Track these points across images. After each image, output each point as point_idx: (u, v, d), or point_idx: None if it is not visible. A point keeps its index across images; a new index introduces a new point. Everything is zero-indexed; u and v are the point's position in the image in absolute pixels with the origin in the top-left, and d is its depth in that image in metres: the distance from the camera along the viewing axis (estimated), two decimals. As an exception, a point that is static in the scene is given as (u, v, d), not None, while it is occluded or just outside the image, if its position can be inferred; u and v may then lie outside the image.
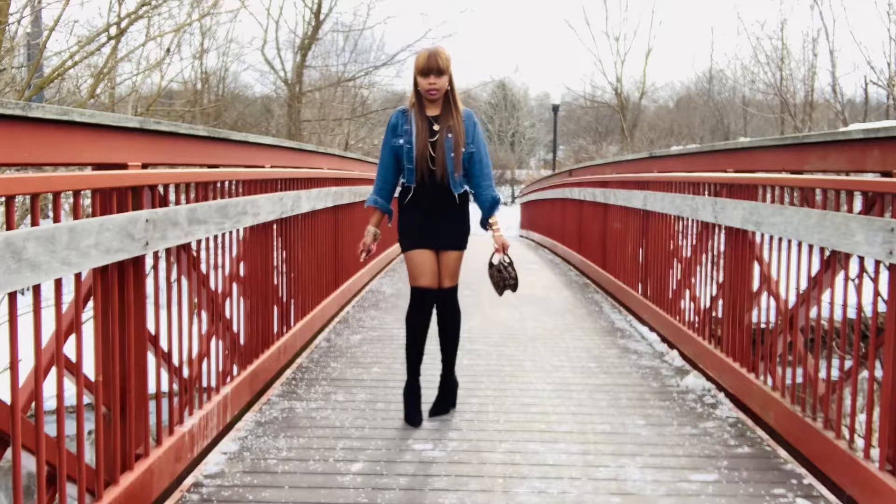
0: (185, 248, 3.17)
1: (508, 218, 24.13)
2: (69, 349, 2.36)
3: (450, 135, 3.62)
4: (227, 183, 3.67)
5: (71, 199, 2.38)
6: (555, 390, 4.35)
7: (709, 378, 4.53)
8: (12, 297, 1.98)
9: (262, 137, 4.60)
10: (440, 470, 3.17)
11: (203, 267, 3.42)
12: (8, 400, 2.01)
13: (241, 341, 4.00)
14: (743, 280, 4.17)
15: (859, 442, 2.93)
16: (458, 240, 3.77)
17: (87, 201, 2.66)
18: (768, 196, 3.82)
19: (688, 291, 5.23)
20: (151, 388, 2.85)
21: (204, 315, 3.46)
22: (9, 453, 2.01)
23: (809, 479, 3.10)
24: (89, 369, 2.49)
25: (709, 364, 4.57)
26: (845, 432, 3.12)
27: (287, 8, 45.47)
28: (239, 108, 19.00)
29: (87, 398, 2.54)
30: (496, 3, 66.01)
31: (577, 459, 3.29)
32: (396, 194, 3.85)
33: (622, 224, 7.35)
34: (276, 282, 4.65)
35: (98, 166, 2.52)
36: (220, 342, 3.68)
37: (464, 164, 3.66)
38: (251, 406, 3.96)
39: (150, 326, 2.86)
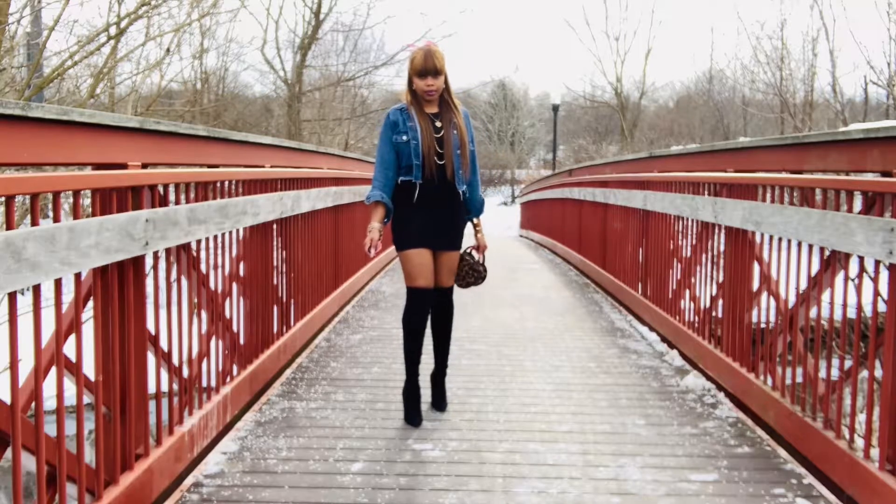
0: (185, 248, 3.18)
1: (508, 218, 24.15)
2: (69, 349, 2.36)
3: (454, 132, 3.63)
4: (226, 183, 3.67)
5: (71, 199, 2.38)
6: (555, 390, 4.35)
7: (709, 378, 4.53)
8: (12, 297, 1.98)
9: (261, 137, 4.60)
10: (440, 470, 3.17)
11: (203, 267, 3.42)
12: (8, 400, 2.01)
13: (241, 341, 4.00)
14: (743, 280, 4.17)
15: (859, 442, 2.93)
16: (457, 240, 3.80)
17: (87, 201, 2.66)
18: (768, 196, 3.82)
19: (688, 291, 5.23)
20: (151, 388, 2.85)
21: (204, 315, 3.47)
22: (9, 453, 2.01)
23: (809, 478, 3.10)
24: (89, 369, 2.49)
25: (709, 364, 4.57)
26: (845, 432, 3.12)
27: (287, 8, 45.60)
28: (239, 107, 19.00)
29: (87, 398, 2.54)
30: (496, 3, 66.03)
31: (577, 459, 3.29)
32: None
33: (622, 224, 7.35)
34: (275, 282, 4.65)
35: (98, 166, 2.52)
36: (220, 342, 3.68)
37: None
38: (251, 406, 3.96)
39: (150, 326, 2.86)
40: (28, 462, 2.08)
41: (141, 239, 2.58)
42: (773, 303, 3.86)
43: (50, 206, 7.18)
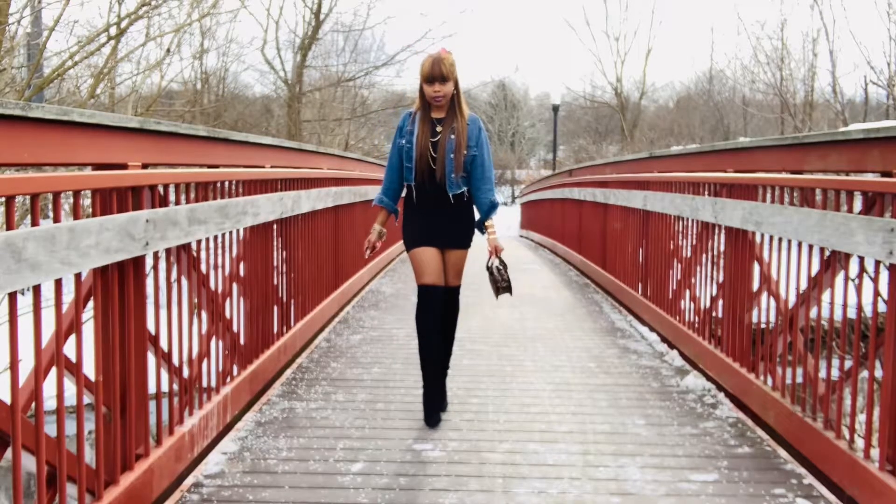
0: (185, 248, 3.18)
1: (508, 218, 24.14)
2: (69, 349, 2.36)
3: (452, 136, 3.67)
4: (227, 183, 3.67)
5: (71, 199, 2.38)
6: (555, 390, 4.35)
7: (709, 378, 4.53)
8: (12, 297, 1.98)
9: (262, 137, 4.60)
10: (440, 470, 3.17)
11: (203, 267, 3.42)
12: (8, 400, 2.01)
13: (241, 341, 4.00)
14: (743, 280, 4.17)
15: (859, 442, 2.93)
16: (461, 238, 3.80)
17: (87, 201, 2.66)
18: (768, 196, 3.82)
19: (688, 291, 5.23)
20: (151, 388, 2.85)
21: (204, 315, 3.47)
22: (9, 453, 2.01)
23: (809, 479, 3.10)
24: (89, 369, 2.49)
25: (709, 364, 4.57)
26: (845, 432, 3.12)
27: (287, 8, 45.58)
28: (239, 108, 19.01)
29: (87, 398, 2.54)
30: (496, 3, 66.01)
31: (577, 459, 3.29)
32: (403, 194, 3.88)
33: (622, 224, 7.35)
34: (276, 282, 4.65)
35: (98, 166, 2.51)
36: (220, 342, 3.68)
37: (465, 166, 3.69)
38: (251, 406, 3.96)
39: (150, 326, 2.86)
40: (28, 462, 2.08)
41: (141, 239, 2.58)
42: (773, 303, 3.86)
43: (50, 206, 7.18)
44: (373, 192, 8.41)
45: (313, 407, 3.99)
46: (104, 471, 2.48)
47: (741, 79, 22.26)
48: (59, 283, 2.21)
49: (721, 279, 4.58)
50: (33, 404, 2.14)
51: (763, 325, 3.98)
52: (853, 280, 3.21)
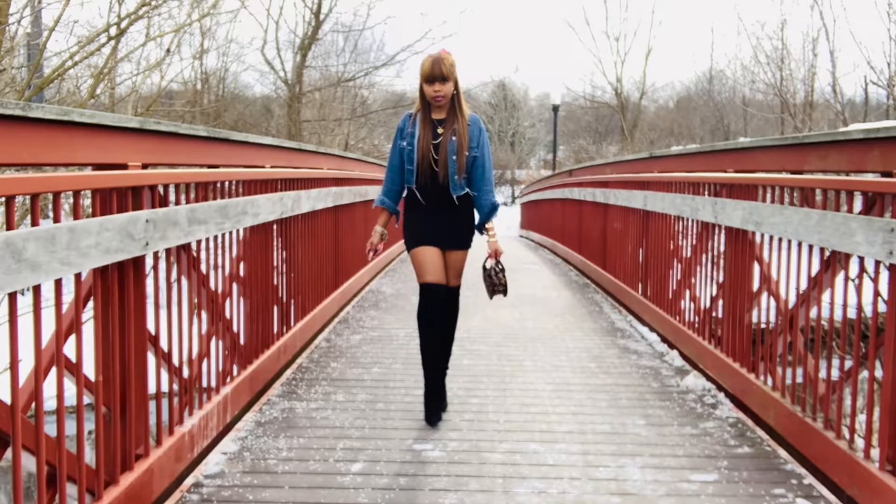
0: (185, 248, 3.17)
1: (508, 218, 24.14)
2: (69, 349, 2.36)
3: (454, 137, 3.66)
4: (227, 183, 3.67)
5: (71, 200, 2.38)
6: (555, 390, 4.35)
7: (709, 378, 4.53)
8: (12, 297, 1.98)
9: (262, 138, 4.60)
10: (440, 470, 3.17)
11: (203, 267, 3.42)
12: (8, 400, 2.01)
13: (241, 341, 4.00)
14: (743, 280, 4.17)
15: (859, 442, 2.93)
16: (462, 239, 3.81)
17: (87, 201, 2.66)
18: (768, 196, 3.82)
19: (688, 291, 5.23)
20: (151, 389, 2.85)
21: (204, 315, 3.46)
22: (9, 453, 2.01)
23: (809, 479, 3.10)
24: (89, 369, 2.49)
25: (709, 364, 4.57)
26: (845, 432, 3.12)
27: (287, 8, 45.49)
28: (239, 108, 19.01)
29: (87, 398, 2.54)
30: (496, 3, 66.04)
31: (577, 459, 3.29)
32: (404, 194, 3.87)
33: (622, 224, 7.35)
34: (276, 282, 4.65)
35: (98, 166, 2.51)
36: (220, 342, 3.68)
37: (466, 167, 3.70)
38: (251, 406, 3.96)
39: (150, 326, 2.86)
40: (28, 462, 2.08)
41: (141, 239, 2.58)
42: (773, 303, 3.86)
43: (50, 206, 7.18)
44: (373, 192, 8.41)
45: (313, 407, 3.99)
46: (104, 471, 2.48)
47: (741, 79, 22.27)
48: (59, 283, 2.21)
49: (721, 279, 4.58)
50: (33, 404, 2.14)
51: (763, 325, 3.98)
52: (853, 280, 3.21)
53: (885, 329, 2.72)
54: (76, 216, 2.31)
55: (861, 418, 3.19)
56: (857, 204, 3.10)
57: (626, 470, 3.18)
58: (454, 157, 3.66)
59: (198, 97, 16.26)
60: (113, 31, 7.98)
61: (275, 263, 4.61)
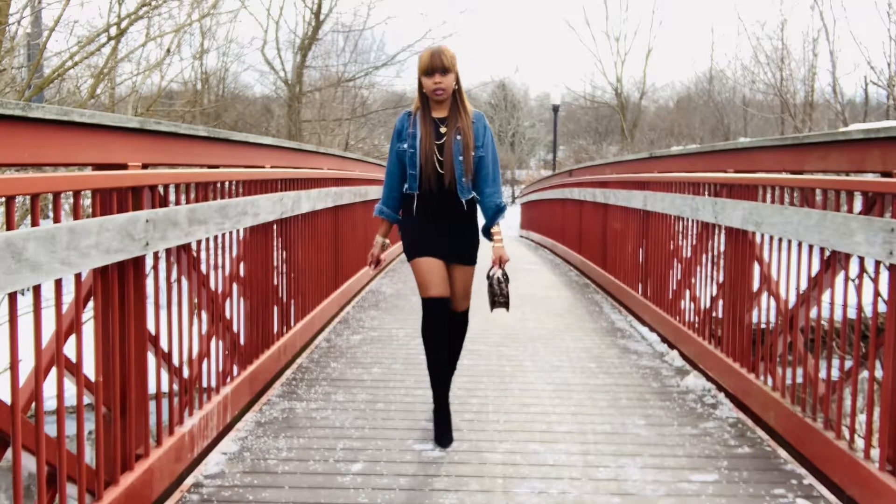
0: (185, 248, 3.17)
1: (509, 218, 24.10)
2: (69, 349, 2.36)
3: (458, 137, 3.39)
4: (227, 183, 3.67)
5: (71, 200, 2.38)
6: (555, 390, 4.35)
7: (709, 378, 4.53)
8: (12, 297, 1.98)
9: (262, 138, 4.60)
10: (440, 470, 3.17)
11: (203, 267, 3.42)
12: (8, 400, 2.01)
13: (241, 341, 4.00)
14: (743, 280, 4.17)
15: (859, 442, 2.93)
16: (468, 253, 3.55)
17: (87, 201, 2.66)
18: (768, 196, 3.82)
19: (688, 291, 5.23)
20: (151, 389, 2.85)
21: (204, 315, 3.46)
22: (9, 453, 2.01)
23: (810, 479, 3.10)
24: (89, 369, 2.49)
25: (709, 364, 4.57)
26: (845, 432, 3.12)
27: (287, 8, 45.60)
28: (239, 108, 19.01)
29: (87, 398, 2.54)
30: (496, 3, 66.05)
31: (577, 459, 3.29)
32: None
33: (622, 224, 7.35)
34: (276, 282, 4.65)
35: (98, 166, 2.51)
36: (220, 342, 3.67)
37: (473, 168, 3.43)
38: (251, 406, 3.96)
39: (150, 326, 2.86)
40: (28, 462, 2.08)
41: (141, 239, 2.58)
42: (773, 303, 3.86)
43: (50, 206, 7.18)
44: (373, 193, 8.42)
45: (313, 407, 3.99)
46: (104, 471, 2.48)
47: (741, 79, 22.27)
48: (59, 283, 2.21)
49: (721, 279, 4.58)
50: (33, 404, 2.14)
51: (763, 326, 3.98)
52: (853, 280, 3.21)
53: (885, 329, 2.72)
54: (76, 216, 2.31)
55: (861, 418, 3.19)
56: (858, 204, 3.10)
57: (627, 470, 3.18)
58: (460, 158, 3.38)
59: (198, 97, 16.25)
60: (113, 31, 7.98)
61: (275, 263, 4.61)
